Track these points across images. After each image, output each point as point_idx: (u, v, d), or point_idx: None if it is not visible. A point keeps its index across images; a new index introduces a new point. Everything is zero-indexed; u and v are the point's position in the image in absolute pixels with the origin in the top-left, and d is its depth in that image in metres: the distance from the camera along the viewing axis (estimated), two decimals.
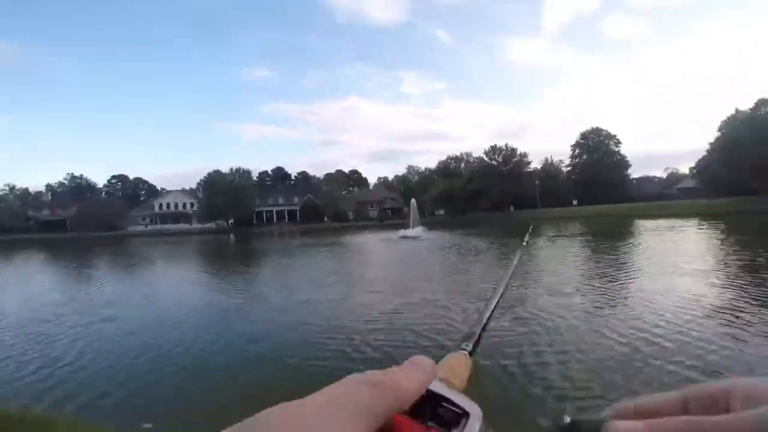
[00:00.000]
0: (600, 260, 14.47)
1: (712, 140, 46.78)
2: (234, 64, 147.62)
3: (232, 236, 49.87)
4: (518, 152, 69.64)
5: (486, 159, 71.83)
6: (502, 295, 0.60)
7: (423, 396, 0.27)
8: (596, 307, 8.07)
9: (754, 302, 7.53)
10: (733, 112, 44.99)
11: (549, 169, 72.82)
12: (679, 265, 11.91)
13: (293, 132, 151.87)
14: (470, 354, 0.43)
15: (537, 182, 65.24)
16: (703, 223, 26.75)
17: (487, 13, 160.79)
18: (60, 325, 8.43)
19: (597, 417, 0.31)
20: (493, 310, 0.55)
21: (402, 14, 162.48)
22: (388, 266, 16.42)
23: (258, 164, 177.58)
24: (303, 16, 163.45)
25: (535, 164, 72.51)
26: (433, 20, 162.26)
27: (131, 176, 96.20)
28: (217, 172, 67.14)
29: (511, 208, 64.83)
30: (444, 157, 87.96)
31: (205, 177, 67.36)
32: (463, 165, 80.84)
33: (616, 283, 10.25)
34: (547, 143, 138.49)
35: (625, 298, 8.74)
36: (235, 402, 4.40)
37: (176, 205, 75.96)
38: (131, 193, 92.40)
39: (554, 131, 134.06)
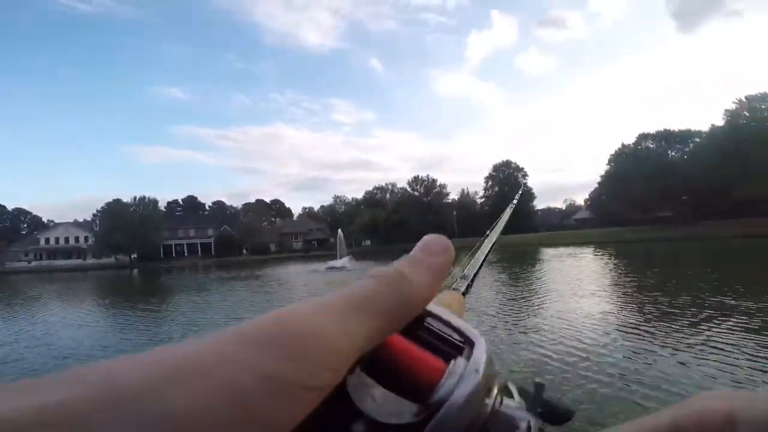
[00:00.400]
0: (517, 284, 15.50)
1: (602, 173, 52.21)
2: (139, 81, 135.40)
3: (135, 271, 44.21)
4: (438, 183, 73.95)
5: (409, 189, 74.96)
6: (495, 242, 0.60)
7: (421, 317, 0.24)
8: (516, 324, 8.45)
9: (651, 316, 8.54)
10: (620, 146, 50.54)
11: (465, 200, 78.03)
12: (584, 286, 13.26)
13: (209, 158, 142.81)
14: (463, 295, 0.42)
15: (455, 213, 69.50)
16: (598, 250, 30.47)
17: (418, 43, 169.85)
18: None
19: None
20: (487, 255, 0.56)
21: (335, 41, 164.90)
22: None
23: (167, 193, 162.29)
24: (226, 35, 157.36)
25: (453, 195, 77.39)
26: (366, 49, 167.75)
27: (10, 207, 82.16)
28: (117, 202, 59.83)
29: None
30: (371, 187, 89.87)
31: (102, 207, 59.62)
32: (388, 195, 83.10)
33: (533, 303, 10.96)
34: (465, 175, 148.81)
35: (543, 316, 9.33)
36: None
37: (67, 239, 66.24)
38: (9, 226, 78.71)
39: (471, 163, 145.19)
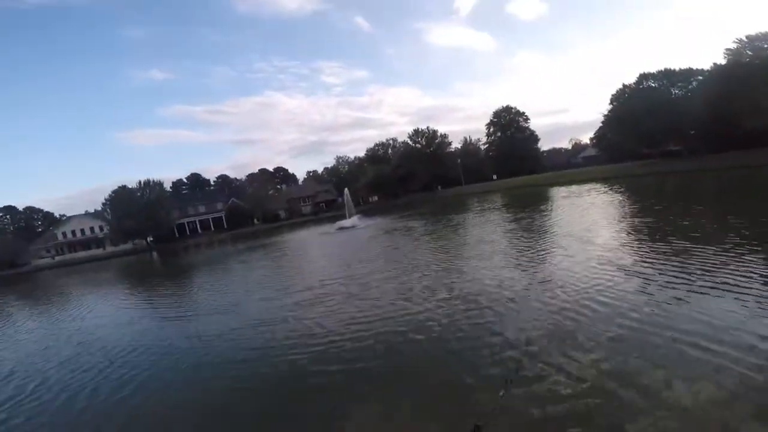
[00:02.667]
0: (532, 223, 15.86)
1: (605, 112, 51.55)
2: (114, 69, 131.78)
3: (155, 254, 45.56)
4: (439, 134, 72.66)
5: (411, 143, 73.96)
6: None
7: None
8: (539, 259, 8.87)
9: (658, 242, 8.88)
10: (620, 86, 49.87)
11: (468, 148, 77.00)
12: (597, 221, 13.62)
13: (204, 135, 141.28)
14: None
15: (459, 161, 68.92)
16: (606, 185, 30.32)
17: None
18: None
19: None
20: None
21: (314, 2, 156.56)
22: (336, 258, 16.25)
23: (170, 174, 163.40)
24: (195, 10, 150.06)
25: (456, 144, 76.37)
26: (348, 7, 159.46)
27: (20, 207, 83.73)
28: (124, 188, 60.02)
29: (439, 187, 67.71)
30: (372, 145, 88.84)
31: (110, 195, 60.08)
32: (390, 150, 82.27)
33: (547, 240, 11.35)
34: (466, 123, 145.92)
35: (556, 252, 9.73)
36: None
37: (83, 231, 67.66)
38: (24, 224, 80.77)
39: (471, 111, 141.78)
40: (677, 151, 45.78)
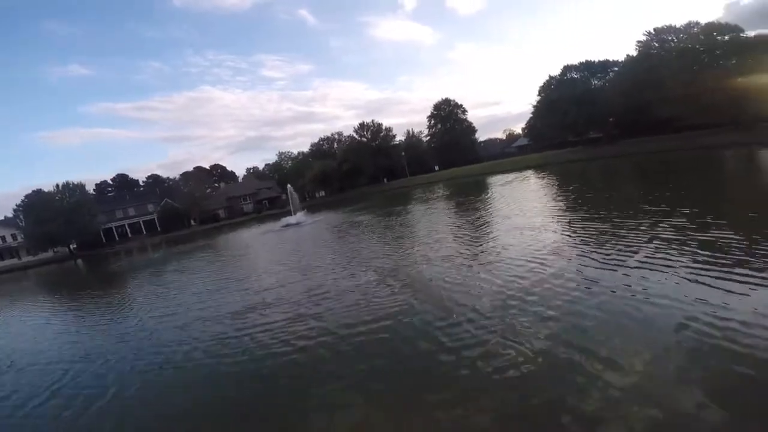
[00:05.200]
0: (470, 211, 16.49)
1: (534, 103, 55.05)
2: (28, 64, 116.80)
3: (80, 262, 41.20)
4: (384, 127, 73.23)
5: (356, 136, 73.69)
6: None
7: None
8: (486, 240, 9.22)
9: (590, 221, 9.62)
10: (547, 78, 53.51)
11: (411, 140, 78.39)
12: (532, 205, 14.46)
13: (132, 132, 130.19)
14: None
15: (403, 153, 70.01)
16: (538, 172, 32.39)
17: None
18: None
19: None
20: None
21: None
22: (282, 254, 15.75)
23: (92, 175, 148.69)
24: (125, 3, 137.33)
25: (400, 137, 77.50)
26: (292, 0, 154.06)
27: None
28: (38, 193, 53.49)
29: (385, 180, 68.28)
30: (316, 140, 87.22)
31: (22, 201, 53.25)
32: (336, 145, 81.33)
33: (491, 227, 11.87)
34: (409, 116, 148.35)
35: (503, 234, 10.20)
36: None
37: None
38: None
39: (414, 104, 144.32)
40: (598, 138, 50.08)
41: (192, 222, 63.34)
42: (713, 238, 6.91)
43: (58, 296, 17.86)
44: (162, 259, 24.71)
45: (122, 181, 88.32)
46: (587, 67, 50.31)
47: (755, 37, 32.26)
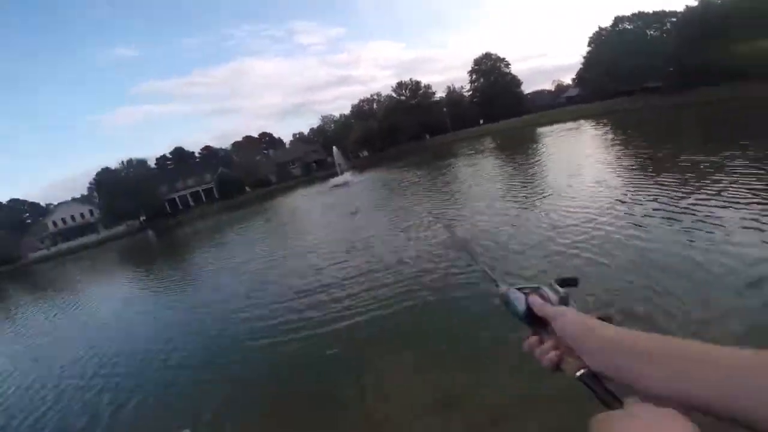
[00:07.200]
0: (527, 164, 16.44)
1: (584, 54, 52.40)
2: (76, 48, 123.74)
3: (151, 233, 45.18)
4: (422, 84, 71.30)
5: (395, 96, 72.58)
6: None
7: None
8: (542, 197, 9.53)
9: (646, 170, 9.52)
10: (596, 29, 50.36)
11: (453, 96, 75.66)
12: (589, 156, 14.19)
13: (182, 107, 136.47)
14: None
15: (444, 109, 68.17)
16: (592, 122, 30.60)
17: None
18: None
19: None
20: None
21: None
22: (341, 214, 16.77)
23: (151, 151, 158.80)
24: None
25: (440, 93, 75.02)
26: None
27: (4, 200, 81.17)
28: (107, 170, 58.66)
29: (428, 136, 67.53)
30: (356, 101, 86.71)
31: (94, 178, 58.82)
32: (375, 105, 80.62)
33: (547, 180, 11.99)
34: (445, 74, 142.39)
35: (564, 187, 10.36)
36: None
37: (73, 218, 65.35)
38: (12, 219, 78.43)
39: (448, 62, 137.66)
40: (657, 87, 46.65)
41: (246, 188, 66.97)
42: None
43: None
44: (235, 221, 26.85)
45: (179, 154, 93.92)
46: (641, 17, 47.07)
47: None
